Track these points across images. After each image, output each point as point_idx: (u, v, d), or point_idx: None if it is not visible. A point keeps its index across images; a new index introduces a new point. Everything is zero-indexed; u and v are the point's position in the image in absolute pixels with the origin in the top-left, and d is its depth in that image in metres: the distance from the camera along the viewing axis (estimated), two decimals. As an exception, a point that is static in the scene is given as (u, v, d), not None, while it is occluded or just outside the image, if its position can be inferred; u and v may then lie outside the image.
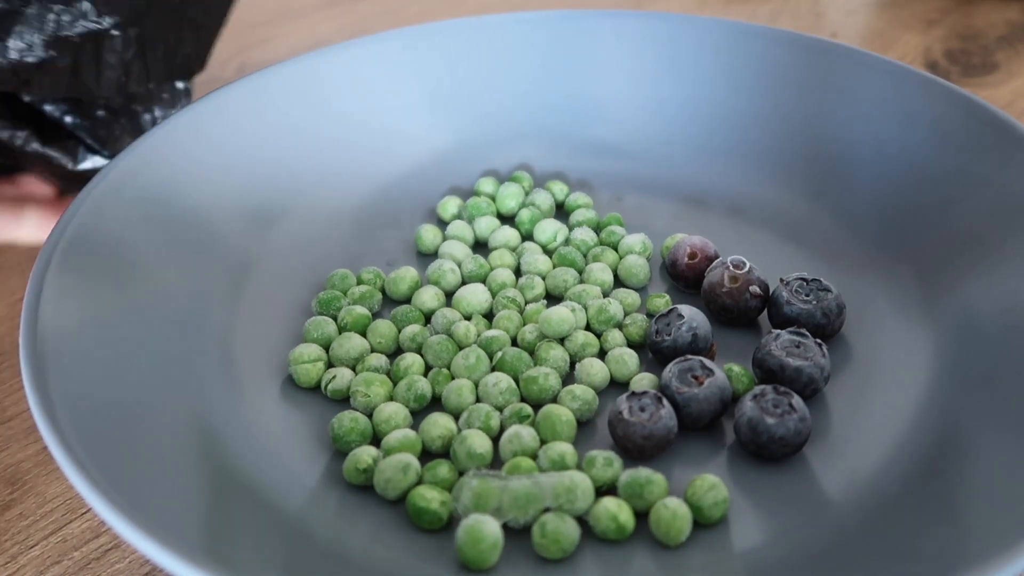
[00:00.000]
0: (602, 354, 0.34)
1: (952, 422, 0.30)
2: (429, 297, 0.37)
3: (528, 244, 0.40)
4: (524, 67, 0.46)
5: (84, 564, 0.30)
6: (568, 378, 0.34)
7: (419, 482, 0.30)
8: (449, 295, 0.37)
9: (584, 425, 0.32)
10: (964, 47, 0.61)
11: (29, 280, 0.30)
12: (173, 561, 0.22)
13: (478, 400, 0.33)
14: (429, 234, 0.40)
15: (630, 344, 0.35)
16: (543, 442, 0.31)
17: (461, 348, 0.34)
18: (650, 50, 0.45)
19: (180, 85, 0.44)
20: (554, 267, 0.38)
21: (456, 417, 0.32)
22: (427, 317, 0.37)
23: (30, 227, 0.41)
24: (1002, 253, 0.33)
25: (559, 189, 0.43)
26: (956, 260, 0.34)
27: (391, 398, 0.33)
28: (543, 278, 0.38)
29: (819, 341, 0.32)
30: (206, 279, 0.35)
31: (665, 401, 0.30)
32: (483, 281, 0.38)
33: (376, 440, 0.32)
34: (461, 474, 0.30)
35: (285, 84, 0.42)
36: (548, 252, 0.40)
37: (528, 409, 0.32)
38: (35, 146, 0.40)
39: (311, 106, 0.42)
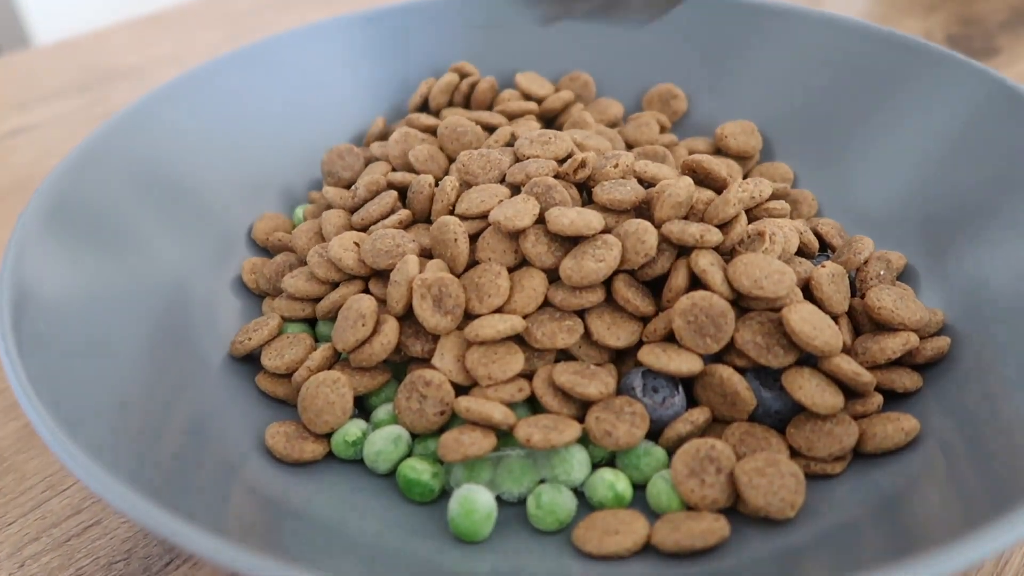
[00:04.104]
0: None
1: (962, 393, 0.29)
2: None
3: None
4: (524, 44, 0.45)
5: (63, 540, 0.29)
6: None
7: (410, 454, 0.29)
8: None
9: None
10: (966, 32, 0.60)
11: (7, 248, 0.29)
12: (166, 529, 0.21)
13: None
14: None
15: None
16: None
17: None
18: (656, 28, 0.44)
19: None
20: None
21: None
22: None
23: None
24: (1010, 220, 0.32)
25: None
26: (964, 228, 0.33)
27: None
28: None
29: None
30: (191, 249, 0.35)
31: (681, 388, 0.29)
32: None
33: (365, 413, 0.31)
34: (453, 447, 0.29)
35: (273, 58, 0.41)
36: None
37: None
38: None
39: (299, 80, 0.42)
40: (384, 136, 0.41)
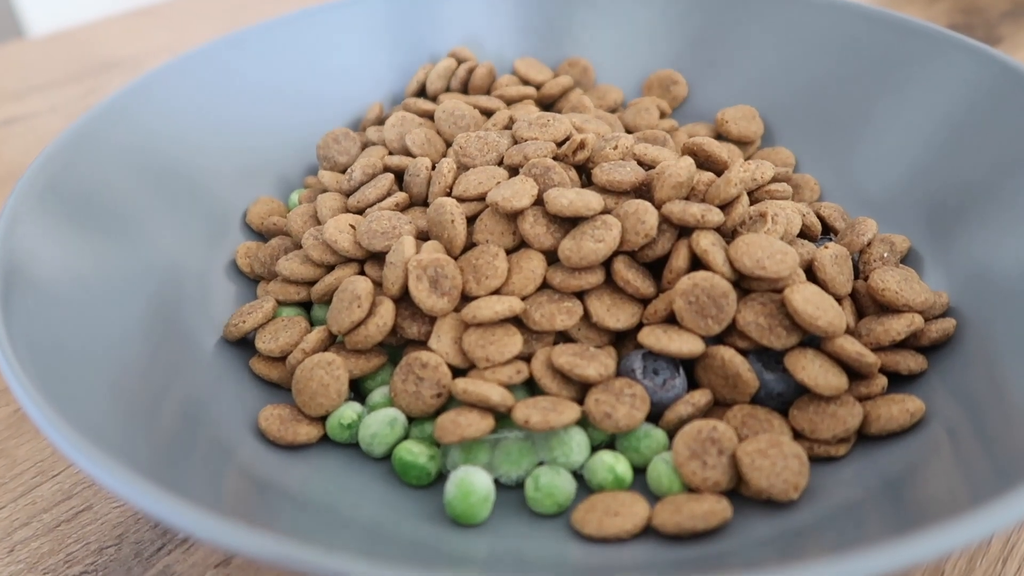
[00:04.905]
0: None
1: (967, 375, 0.28)
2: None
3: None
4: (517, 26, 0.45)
5: (54, 526, 0.29)
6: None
7: (406, 437, 0.28)
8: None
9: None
10: (967, 21, 0.60)
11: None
12: (162, 508, 0.20)
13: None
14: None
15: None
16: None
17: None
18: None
19: None
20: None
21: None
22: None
23: None
24: (1015, 202, 0.31)
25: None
26: (968, 211, 0.33)
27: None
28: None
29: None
30: (185, 232, 0.34)
31: (682, 370, 0.28)
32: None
33: (361, 398, 0.30)
34: (450, 430, 0.29)
35: (269, 42, 0.41)
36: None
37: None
38: None
39: (295, 65, 0.41)
40: (381, 121, 0.41)
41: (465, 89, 0.42)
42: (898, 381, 0.29)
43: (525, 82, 0.42)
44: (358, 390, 0.31)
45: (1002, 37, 0.57)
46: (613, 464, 0.26)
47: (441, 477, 0.28)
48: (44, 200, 0.30)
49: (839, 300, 0.30)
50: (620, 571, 0.23)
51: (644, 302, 0.29)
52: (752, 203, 0.32)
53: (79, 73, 0.60)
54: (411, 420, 0.29)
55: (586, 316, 0.29)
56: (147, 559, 0.28)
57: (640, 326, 0.29)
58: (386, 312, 0.29)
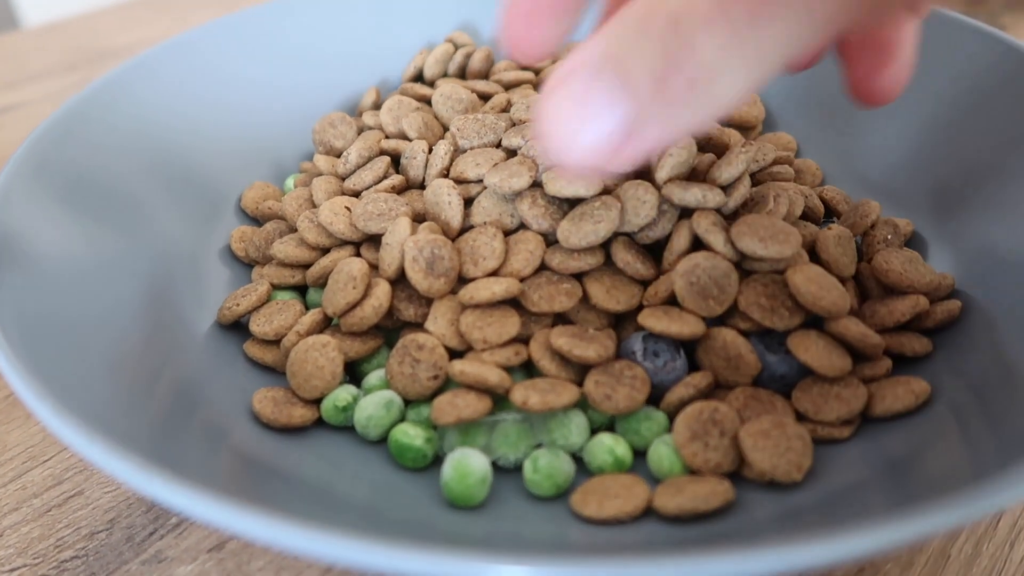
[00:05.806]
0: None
1: (973, 357, 0.28)
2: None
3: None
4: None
5: (44, 511, 0.28)
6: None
7: (402, 420, 0.28)
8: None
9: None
10: (970, 12, 0.59)
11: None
12: (158, 490, 0.20)
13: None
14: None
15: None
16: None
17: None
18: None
19: None
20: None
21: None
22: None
23: None
24: (1018, 184, 0.31)
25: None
26: (972, 193, 0.32)
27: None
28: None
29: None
30: (179, 216, 0.34)
31: (683, 352, 0.28)
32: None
33: (357, 382, 0.30)
34: (447, 413, 0.28)
35: (266, 26, 0.41)
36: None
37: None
38: None
39: (291, 49, 0.41)
40: (378, 106, 0.40)
41: (463, 74, 0.42)
42: (903, 363, 0.29)
43: (523, 67, 0.42)
44: (354, 373, 0.30)
45: (1004, 27, 0.57)
46: (613, 446, 0.26)
47: (438, 460, 0.27)
48: (36, 179, 0.30)
49: (842, 282, 0.29)
50: (620, 552, 0.23)
51: (644, 284, 0.29)
52: (754, 185, 0.32)
53: (74, 63, 0.60)
54: (407, 403, 0.28)
55: (585, 298, 0.28)
56: (139, 544, 0.27)
57: (640, 308, 0.29)
58: (382, 293, 0.28)
